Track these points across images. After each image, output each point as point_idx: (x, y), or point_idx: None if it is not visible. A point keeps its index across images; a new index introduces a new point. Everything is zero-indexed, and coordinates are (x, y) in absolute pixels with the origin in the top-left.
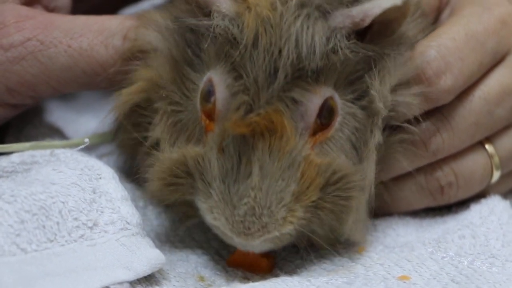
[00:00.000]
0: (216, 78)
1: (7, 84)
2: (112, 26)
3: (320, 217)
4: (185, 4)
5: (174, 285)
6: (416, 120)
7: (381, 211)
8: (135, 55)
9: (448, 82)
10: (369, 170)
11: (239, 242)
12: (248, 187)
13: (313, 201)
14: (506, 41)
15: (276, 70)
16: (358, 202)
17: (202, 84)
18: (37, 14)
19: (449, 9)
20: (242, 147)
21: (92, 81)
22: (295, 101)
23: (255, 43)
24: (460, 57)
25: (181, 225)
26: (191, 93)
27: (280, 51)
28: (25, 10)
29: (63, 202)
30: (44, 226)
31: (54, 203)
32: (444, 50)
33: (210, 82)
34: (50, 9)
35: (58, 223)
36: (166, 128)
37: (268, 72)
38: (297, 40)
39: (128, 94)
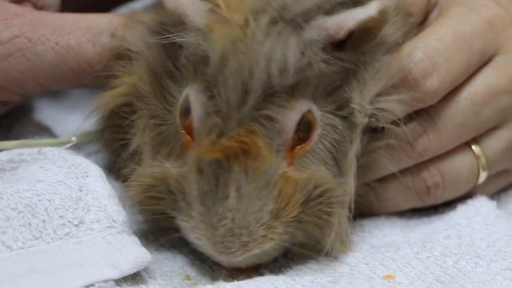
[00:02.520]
0: (192, 95)
1: None
2: (100, 24)
3: (303, 230)
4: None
5: (160, 284)
6: (402, 121)
7: (367, 211)
8: (122, 54)
9: (434, 83)
10: (349, 184)
11: (222, 260)
12: (226, 209)
13: (294, 216)
14: (493, 42)
15: (247, 92)
16: (339, 217)
17: (181, 100)
18: (25, 12)
19: (437, 10)
20: (219, 170)
21: (79, 78)
22: (270, 119)
23: (224, 62)
24: (447, 58)
25: (163, 239)
26: (171, 106)
27: (250, 72)
28: (14, 7)
29: (49, 200)
30: (30, 224)
31: (40, 200)
32: (431, 51)
33: (187, 99)
34: (38, 7)
35: (44, 220)
36: (148, 140)
37: (239, 94)
38: (267, 61)
39: (110, 97)
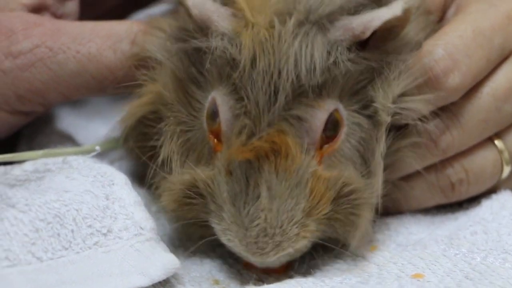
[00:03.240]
0: (219, 99)
1: (17, 91)
2: (120, 31)
3: (333, 227)
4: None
5: None
6: (425, 118)
7: (393, 209)
8: (142, 61)
9: (456, 80)
10: (376, 186)
11: (255, 260)
12: (257, 209)
13: (325, 214)
14: None
15: (276, 92)
16: (365, 219)
17: (207, 104)
18: (45, 21)
19: (455, 7)
20: (249, 170)
21: (101, 86)
22: (299, 118)
23: (253, 64)
24: (468, 54)
25: (191, 244)
26: (197, 112)
27: (279, 73)
28: (33, 17)
29: (77, 210)
30: (59, 234)
31: (68, 211)
32: (451, 48)
33: (214, 103)
34: (58, 16)
35: (72, 230)
36: (176, 148)
37: (268, 94)
38: (296, 61)
39: (136, 106)
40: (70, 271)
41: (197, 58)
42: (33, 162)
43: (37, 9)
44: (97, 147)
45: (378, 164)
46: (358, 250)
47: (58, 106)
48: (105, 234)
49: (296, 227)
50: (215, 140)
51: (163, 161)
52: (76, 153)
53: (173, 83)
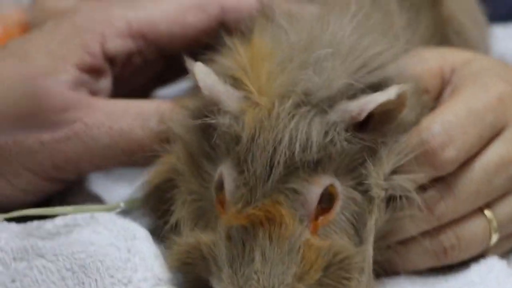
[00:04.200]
0: (225, 171)
1: (53, 161)
2: (149, 109)
3: None
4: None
5: None
6: (422, 189)
7: (389, 270)
8: (168, 137)
9: (451, 153)
10: (367, 252)
11: None
12: (251, 271)
13: (317, 280)
14: (502, 117)
15: (272, 166)
16: (357, 283)
17: (216, 176)
18: (81, 98)
19: (451, 88)
20: (245, 236)
21: (130, 159)
22: (295, 191)
23: (254, 140)
24: (462, 131)
25: None
26: (207, 183)
27: (275, 149)
28: (71, 93)
29: (100, 261)
30: (83, 283)
31: (92, 262)
32: (447, 125)
33: (220, 175)
34: (93, 92)
35: (96, 280)
36: (186, 215)
37: (265, 168)
38: (290, 139)
39: (153, 174)
40: None
41: (208, 134)
42: (63, 217)
43: (74, 85)
44: (122, 204)
45: (369, 232)
46: None
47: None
48: (126, 284)
49: None
50: (221, 208)
51: (174, 225)
52: (102, 210)
53: (186, 156)
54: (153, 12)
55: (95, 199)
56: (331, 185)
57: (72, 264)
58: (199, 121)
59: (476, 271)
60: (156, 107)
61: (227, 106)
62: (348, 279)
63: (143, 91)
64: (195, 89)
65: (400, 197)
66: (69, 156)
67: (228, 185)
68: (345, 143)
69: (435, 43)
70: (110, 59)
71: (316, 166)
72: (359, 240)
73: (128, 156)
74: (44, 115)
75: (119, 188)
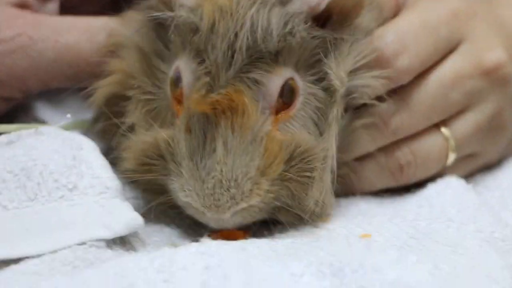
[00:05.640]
0: (182, 65)
1: None
2: (97, 24)
3: (287, 189)
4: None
5: (148, 251)
6: (377, 100)
7: (345, 190)
8: (114, 49)
9: (405, 62)
10: (329, 142)
11: (210, 216)
12: (214, 162)
13: (279, 174)
14: (457, 31)
15: (233, 53)
16: (321, 172)
17: (171, 73)
18: (26, 14)
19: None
20: (206, 125)
21: (77, 75)
22: (256, 82)
23: (213, 29)
24: (416, 40)
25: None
26: (161, 82)
27: (236, 35)
28: (15, 11)
29: (44, 165)
30: (25, 186)
31: (35, 165)
32: (401, 33)
33: (177, 70)
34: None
35: (38, 183)
36: (141, 115)
37: (226, 55)
38: (252, 24)
39: (104, 85)
40: (35, 220)
41: (161, 33)
42: (7, 135)
43: (19, 7)
44: (68, 115)
45: (331, 125)
46: (314, 214)
47: (36, 100)
48: (70, 190)
49: (250, 183)
50: (178, 105)
51: (129, 129)
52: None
53: (138, 56)
54: None
55: (42, 124)
56: (292, 79)
57: (13, 166)
58: (153, 16)
59: (432, 187)
60: (105, 22)
61: (183, 1)
62: (310, 170)
63: None
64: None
65: (359, 107)
66: (15, 71)
67: (186, 78)
68: (304, 34)
69: None
70: None
71: (276, 58)
72: (320, 134)
73: (75, 71)
74: None
75: (65, 115)
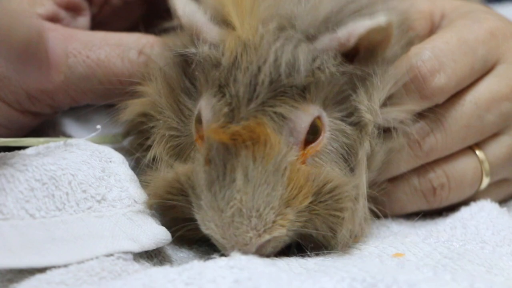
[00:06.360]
0: (204, 101)
1: (28, 90)
2: (129, 41)
3: (314, 223)
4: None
5: (174, 266)
6: (411, 121)
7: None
8: (147, 71)
9: (442, 80)
10: (359, 178)
11: (231, 246)
12: (233, 191)
13: (306, 207)
14: (494, 51)
15: (255, 86)
16: (352, 212)
17: (196, 111)
18: (58, 27)
19: (445, 22)
20: (226, 156)
21: (107, 92)
22: (282, 117)
23: (235, 63)
24: (453, 58)
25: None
26: (187, 119)
27: (259, 69)
28: (47, 23)
29: (72, 175)
30: (53, 195)
31: (64, 174)
32: (438, 51)
33: (200, 107)
34: None
35: (67, 193)
36: (165, 151)
37: (248, 88)
38: (276, 59)
39: (134, 103)
40: (62, 229)
41: (188, 69)
42: (35, 147)
43: (50, 20)
44: (98, 126)
45: (361, 160)
46: (343, 246)
47: (64, 118)
48: (99, 201)
49: (273, 213)
50: (201, 143)
51: (151, 161)
52: None
53: (165, 91)
54: None
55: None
56: (318, 117)
57: (42, 175)
58: (178, 52)
59: (466, 210)
60: (137, 39)
61: (206, 34)
62: (341, 210)
63: None
64: (177, 28)
65: (392, 129)
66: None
67: (206, 114)
68: (334, 70)
69: None
70: None
71: (303, 93)
72: (350, 170)
73: (105, 88)
74: (20, 44)
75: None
